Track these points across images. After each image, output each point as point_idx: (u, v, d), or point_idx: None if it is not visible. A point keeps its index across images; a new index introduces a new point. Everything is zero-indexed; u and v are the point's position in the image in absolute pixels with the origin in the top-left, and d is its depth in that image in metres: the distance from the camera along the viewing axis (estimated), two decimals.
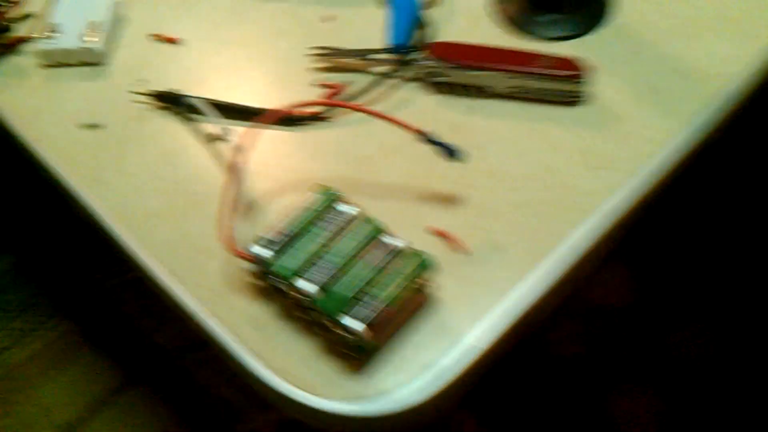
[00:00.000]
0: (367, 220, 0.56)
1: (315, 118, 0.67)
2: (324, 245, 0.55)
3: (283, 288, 0.55)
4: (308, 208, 0.57)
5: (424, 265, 0.54)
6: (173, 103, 0.69)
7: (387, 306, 0.52)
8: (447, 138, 0.61)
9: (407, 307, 0.55)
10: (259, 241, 0.55)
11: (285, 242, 0.55)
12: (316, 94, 0.69)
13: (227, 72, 0.73)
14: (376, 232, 0.56)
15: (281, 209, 0.61)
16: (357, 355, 0.53)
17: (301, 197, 0.59)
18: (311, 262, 0.54)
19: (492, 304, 0.55)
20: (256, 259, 0.55)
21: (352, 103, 0.63)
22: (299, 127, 0.67)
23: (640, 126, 0.64)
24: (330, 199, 0.57)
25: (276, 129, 0.67)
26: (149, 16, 0.78)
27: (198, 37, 0.76)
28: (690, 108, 0.65)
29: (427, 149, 0.61)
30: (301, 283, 0.53)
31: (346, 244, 0.55)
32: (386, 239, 0.55)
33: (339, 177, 0.63)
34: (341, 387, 0.53)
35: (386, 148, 0.65)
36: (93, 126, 0.69)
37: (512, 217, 0.60)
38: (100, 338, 0.98)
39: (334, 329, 0.53)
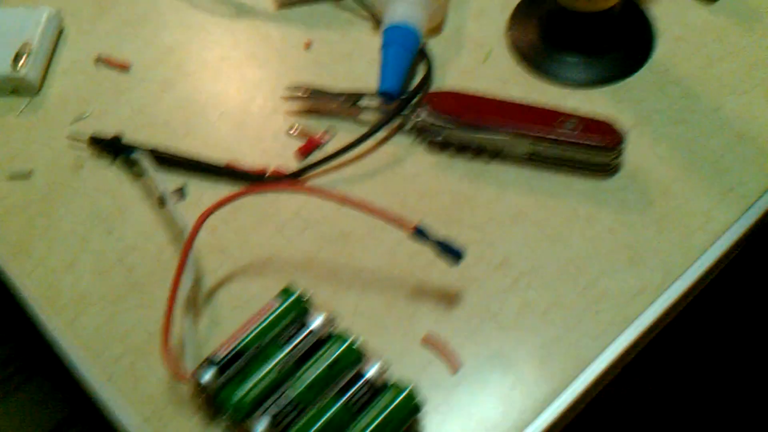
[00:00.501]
0: (342, 340, 0.44)
1: (287, 176, 0.55)
2: (286, 373, 0.43)
3: (230, 423, 0.43)
4: (270, 320, 0.45)
5: (414, 408, 0.43)
6: (118, 152, 0.56)
7: None
8: (446, 212, 0.49)
9: None
10: (204, 364, 0.44)
11: (237, 366, 0.44)
12: (291, 145, 0.57)
13: (186, 109, 0.60)
14: (352, 359, 0.44)
15: (240, 305, 0.49)
16: None
17: (265, 286, 0.48)
18: (266, 394, 0.43)
19: None
20: (200, 387, 0.44)
21: (329, 190, 0.50)
22: (267, 192, 0.55)
23: (692, 206, 0.52)
24: (298, 311, 0.46)
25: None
26: (95, 35, 0.65)
27: (153, 62, 0.63)
28: (757, 184, 0.52)
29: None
30: (250, 424, 0.42)
31: (313, 373, 0.43)
32: (367, 370, 0.43)
33: (311, 260, 0.51)
34: None
35: (370, 223, 0.52)
36: (22, 175, 0.56)
37: (525, 325, 0.48)
38: (47, 366, 0.88)
39: None
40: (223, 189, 0.55)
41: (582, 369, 0.46)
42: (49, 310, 0.50)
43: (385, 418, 0.42)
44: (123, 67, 0.62)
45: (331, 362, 0.43)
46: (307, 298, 0.46)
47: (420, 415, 0.44)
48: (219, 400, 0.43)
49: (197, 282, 0.50)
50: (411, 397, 0.43)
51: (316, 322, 0.45)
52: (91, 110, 0.60)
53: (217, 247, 0.52)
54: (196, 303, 0.50)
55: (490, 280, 0.50)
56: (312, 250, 0.52)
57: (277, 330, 0.45)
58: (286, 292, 0.46)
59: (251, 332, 0.45)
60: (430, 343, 0.47)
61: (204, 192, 0.55)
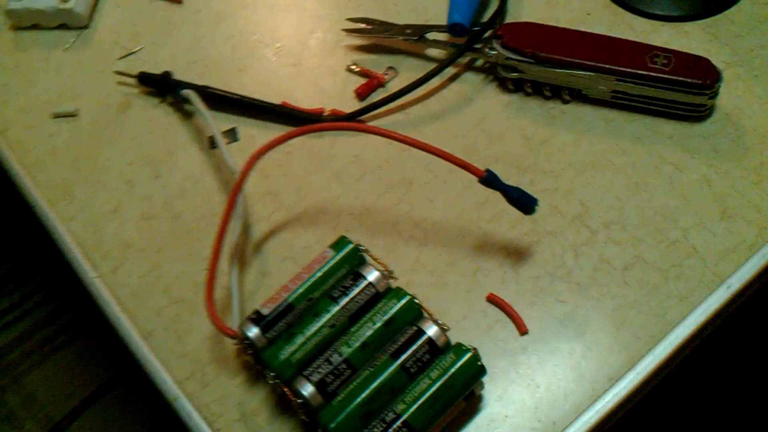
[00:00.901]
0: (400, 296, 0.40)
1: (345, 117, 0.51)
2: (338, 330, 0.40)
3: (276, 383, 0.40)
4: (323, 272, 0.41)
5: (479, 371, 0.39)
6: (167, 90, 0.53)
7: (415, 427, 0.37)
8: (519, 157, 0.45)
9: (445, 422, 0.40)
10: (250, 318, 0.40)
11: (286, 321, 0.40)
12: (351, 84, 0.53)
13: (240, 44, 0.56)
14: (411, 316, 0.40)
15: (291, 255, 0.46)
16: None
17: (318, 237, 0.44)
18: (317, 353, 0.39)
19: (564, 417, 0.40)
20: (244, 342, 0.40)
21: (391, 131, 0.46)
22: (324, 135, 0.51)
23: None
24: (353, 263, 0.42)
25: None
26: None
27: None
28: None
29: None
30: (298, 383, 0.38)
31: (368, 330, 0.39)
32: (427, 329, 0.39)
33: (369, 208, 0.47)
34: None
35: (435, 169, 0.48)
36: (67, 115, 0.53)
37: (602, 284, 0.43)
38: (91, 326, 0.86)
39: None
40: (277, 131, 0.51)
41: (664, 334, 0.41)
42: (92, 258, 0.48)
43: (446, 380, 0.38)
44: (176, 0, 0.58)
45: (387, 319, 0.40)
46: (363, 249, 0.42)
47: (483, 380, 0.40)
48: (265, 356, 0.39)
49: (246, 230, 0.47)
50: (475, 358, 0.38)
51: (372, 275, 0.41)
52: (141, 46, 0.56)
53: (269, 193, 0.49)
54: (244, 253, 0.46)
55: (565, 233, 0.45)
56: (370, 197, 0.48)
57: (330, 283, 0.41)
58: (341, 243, 0.42)
59: (302, 285, 0.41)
60: (496, 301, 0.43)
61: (257, 134, 0.51)
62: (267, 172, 0.49)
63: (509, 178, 0.44)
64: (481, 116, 0.50)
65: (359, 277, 0.41)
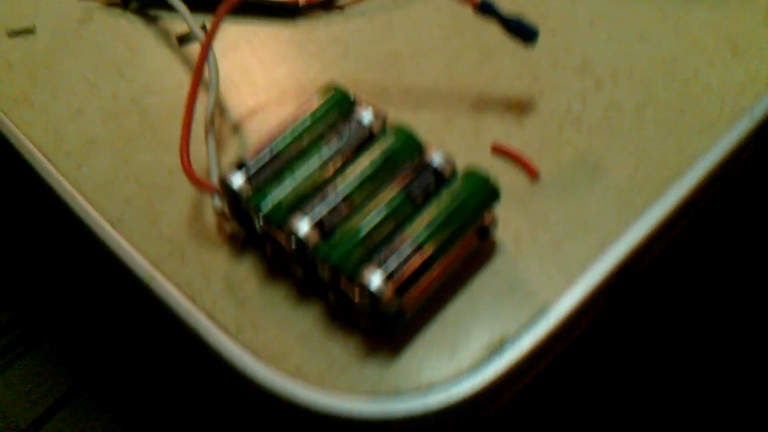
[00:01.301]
0: (398, 131, 0.36)
1: (322, 4, 0.48)
2: (334, 169, 0.36)
3: (266, 231, 0.35)
4: (309, 116, 0.37)
5: (489, 192, 0.35)
6: None
7: (425, 252, 0.33)
8: (516, 3, 0.42)
9: (458, 259, 0.35)
10: (234, 165, 0.36)
11: (273, 168, 0.36)
12: None
13: None
14: (411, 148, 0.36)
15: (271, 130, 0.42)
16: (384, 327, 0.34)
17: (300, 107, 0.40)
18: (310, 194, 0.35)
19: (584, 257, 0.36)
20: (226, 191, 0.36)
21: None
22: (301, 19, 0.48)
23: None
24: (343, 104, 0.38)
25: (267, 22, 0.47)
26: None
27: None
28: None
29: (482, 34, 0.41)
30: (291, 225, 0.34)
31: (365, 167, 0.35)
32: (431, 158, 0.35)
33: (356, 82, 0.44)
34: (358, 375, 0.33)
35: (423, 42, 0.45)
36: (24, 32, 0.50)
37: (614, 126, 0.40)
38: (55, 330, 0.80)
39: (345, 289, 0.33)
40: (252, 25, 0.48)
41: (689, 166, 0.38)
42: (53, 158, 0.43)
43: (457, 205, 0.34)
44: None
45: (386, 154, 0.36)
46: (354, 96, 0.38)
47: (496, 218, 0.35)
48: (253, 201, 0.35)
49: (223, 113, 0.43)
50: (486, 179, 0.34)
51: (366, 116, 0.37)
52: None
53: (246, 81, 0.45)
54: (221, 130, 0.42)
55: (568, 83, 0.42)
56: (356, 72, 0.44)
57: (319, 129, 0.37)
58: (328, 88, 0.38)
59: (289, 132, 0.37)
60: (502, 149, 0.39)
61: (229, 31, 0.48)
62: (243, 61, 0.46)
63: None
64: None
65: (352, 119, 0.37)
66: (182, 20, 0.46)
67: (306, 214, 0.34)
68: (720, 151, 0.38)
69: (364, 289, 0.32)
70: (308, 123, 0.37)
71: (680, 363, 0.76)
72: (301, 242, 0.33)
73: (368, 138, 0.37)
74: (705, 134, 0.39)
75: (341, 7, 0.47)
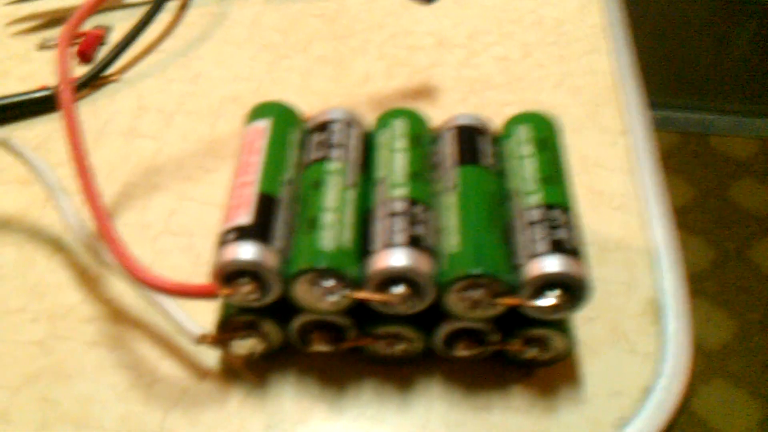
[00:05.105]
0: (396, 114, 0.27)
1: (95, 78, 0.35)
2: (360, 186, 0.25)
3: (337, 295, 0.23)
4: (271, 145, 0.25)
5: (553, 125, 0.27)
6: None
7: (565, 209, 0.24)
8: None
9: None
10: (230, 238, 0.23)
11: (281, 220, 0.23)
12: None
13: None
14: (426, 125, 0.27)
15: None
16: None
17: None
18: (360, 221, 0.24)
19: None
20: (241, 277, 0.22)
21: None
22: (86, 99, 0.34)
23: None
24: (293, 121, 0.27)
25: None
26: None
27: None
28: None
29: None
30: (385, 262, 0.22)
31: (401, 162, 0.25)
32: (464, 121, 0.26)
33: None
34: None
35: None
36: None
37: None
38: None
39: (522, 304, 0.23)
40: (41, 122, 0.32)
41: None
42: None
43: (544, 151, 0.25)
44: None
45: (411, 138, 0.26)
46: (295, 109, 0.27)
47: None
48: (297, 260, 0.22)
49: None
50: (542, 116, 0.27)
51: (338, 114, 0.26)
52: None
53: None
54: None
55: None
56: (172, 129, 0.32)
57: (292, 153, 0.26)
58: (260, 110, 0.27)
59: (260, 168, 0.25)
60: None
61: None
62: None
63: None
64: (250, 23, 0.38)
65: (326, 125, 0.26)
66: None
67: (394, 245, 0.22)
68: None
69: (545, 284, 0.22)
70: (273, 151, 0.25)
71: None
72: (413, 280, 0.22)
73: (362, 135, 0.26)
74: None
75: (111, 80, 0.35)
